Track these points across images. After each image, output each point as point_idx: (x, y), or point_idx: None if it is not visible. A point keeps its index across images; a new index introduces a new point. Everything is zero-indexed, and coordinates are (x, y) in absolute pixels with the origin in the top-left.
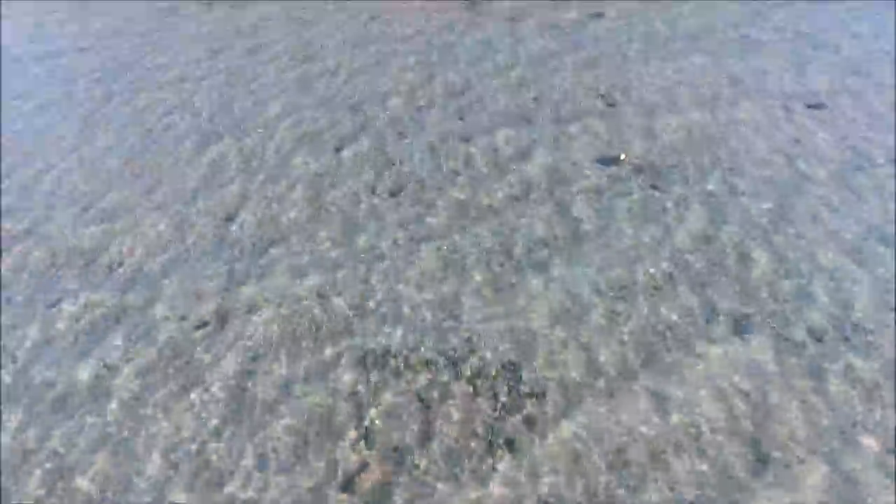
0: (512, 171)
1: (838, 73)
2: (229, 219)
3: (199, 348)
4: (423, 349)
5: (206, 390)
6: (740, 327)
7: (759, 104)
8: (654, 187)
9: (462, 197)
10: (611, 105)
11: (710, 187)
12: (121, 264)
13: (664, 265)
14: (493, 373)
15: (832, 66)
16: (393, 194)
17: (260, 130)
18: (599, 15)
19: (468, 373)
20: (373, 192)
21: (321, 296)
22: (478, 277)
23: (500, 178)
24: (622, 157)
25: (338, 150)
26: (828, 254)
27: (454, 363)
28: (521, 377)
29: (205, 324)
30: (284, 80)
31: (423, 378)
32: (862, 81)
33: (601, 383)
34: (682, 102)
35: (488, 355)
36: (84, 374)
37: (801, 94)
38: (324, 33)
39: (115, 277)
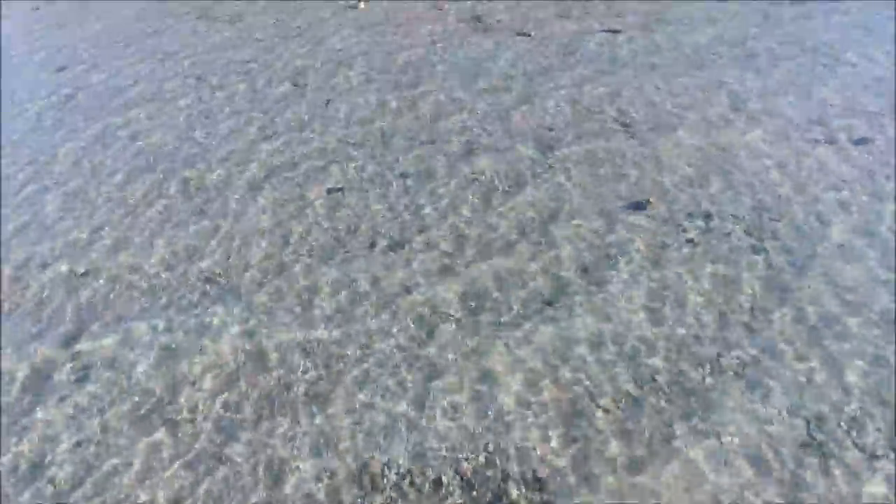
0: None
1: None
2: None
3: None
4: None
5: None
6: None
7: (775, 132)
8: (691, 242)
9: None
10: (626, 126)
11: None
12: None
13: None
14: None
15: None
16: (394, 248)
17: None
18: (615, 32)
19: None
20: (372, 246)
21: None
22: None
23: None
24: (650, 201)
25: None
26: None
27: None
28: None
29: None
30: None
31: None
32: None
33: None
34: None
35: None
36: None
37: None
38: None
39: None
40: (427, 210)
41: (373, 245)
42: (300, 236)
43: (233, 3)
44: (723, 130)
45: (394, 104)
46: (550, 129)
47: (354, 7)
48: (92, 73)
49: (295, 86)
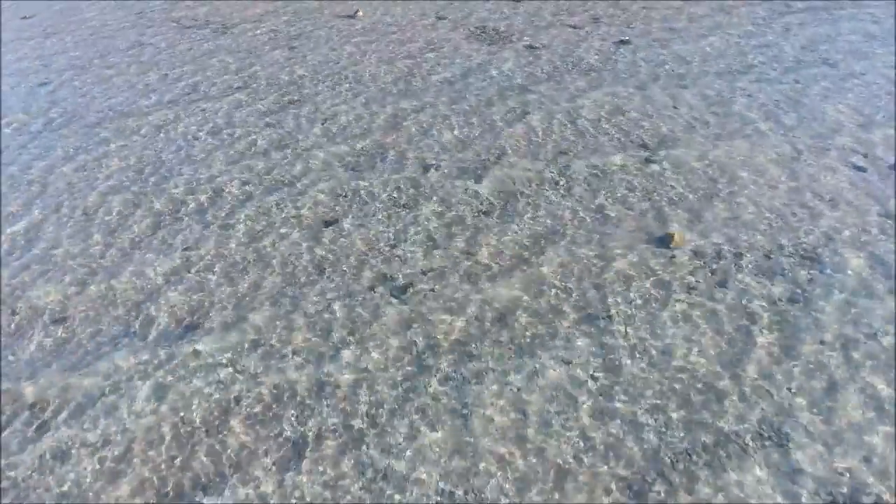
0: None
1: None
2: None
3: None
4: None
5: None
6: None
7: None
8: (721, 284)
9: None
10: (646, 149)
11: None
12: None
13: None
14: None
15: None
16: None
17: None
18: (625, 42)
19: None
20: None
21: None
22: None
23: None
24: (673, 237)
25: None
26: None
27: None
28: None
29: None
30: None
31: None
32: None
33: None
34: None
35: None
36: None
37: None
38: (308, 52)
39: None
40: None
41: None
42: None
43: (229, 13)
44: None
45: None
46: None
47: (352, 16)
48: (76, 87)
49: (289, 101)
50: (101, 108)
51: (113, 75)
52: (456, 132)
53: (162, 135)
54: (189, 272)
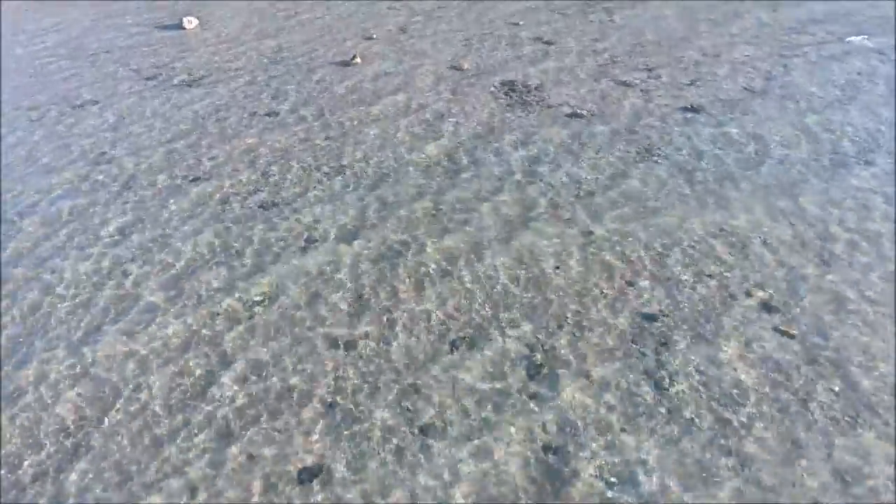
0: None
1: None
2: None
3: None
4: None
5: None
6: None
7: None
8: None
9: None
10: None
11: None
12: None
13: None
14: None
15: None
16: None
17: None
18: (696, 109)
19: None
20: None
21: None
22: None
23: None
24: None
25: None
26: None
27: None
28: None
29: None
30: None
31: None
32: None
33: None
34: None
35: None
36: None
37: None
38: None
39: None
40: None
41: None
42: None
43: (212, 63)
44: None
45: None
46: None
47: (349, 64)
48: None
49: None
50: None
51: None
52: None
53: None
54: None
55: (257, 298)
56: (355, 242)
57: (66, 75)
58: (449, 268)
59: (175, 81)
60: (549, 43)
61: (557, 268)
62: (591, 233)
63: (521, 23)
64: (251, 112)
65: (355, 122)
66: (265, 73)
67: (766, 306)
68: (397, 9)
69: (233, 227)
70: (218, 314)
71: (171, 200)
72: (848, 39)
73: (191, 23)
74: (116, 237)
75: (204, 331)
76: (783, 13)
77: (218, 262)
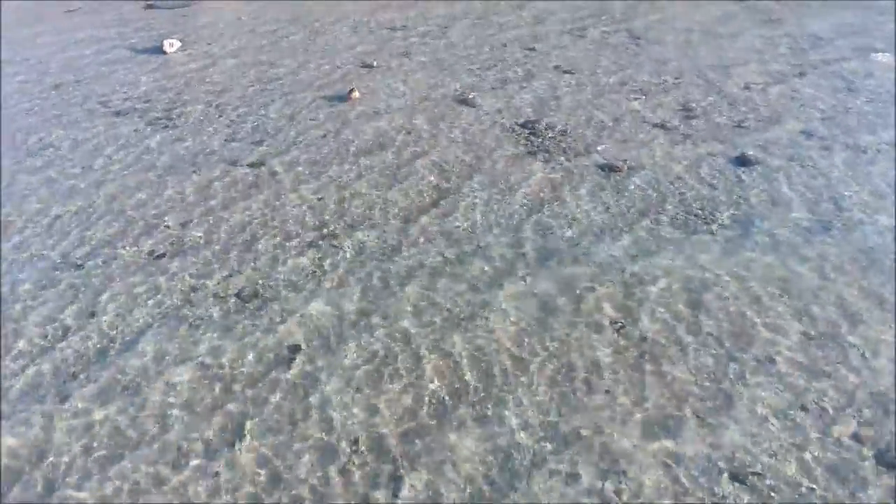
0: None
1: None
2: None
3: None
4: None
5: None
6: None
7: None
8: None
9: None
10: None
11: None
12: None
13: None
14: None
15: None
16: None
17: None
18: (750, 162)
19: None
20: None
21: None
22: None
23: None
24: None
25: None
26: None
27: None
28: None
29: None
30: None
31: None
32: None
33: None
34: None
35: None
36: None
37: None
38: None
39: None
40: None
41: None
42: None
43: (191, 95)
44: None
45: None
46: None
47: (345, 100)
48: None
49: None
50: None
51: None
52: None
53: None
54: None
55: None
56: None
57: (25, 107)
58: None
59: (148, 118)
60: (568, 72)
61: None
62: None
63: (535, 47)
64: (227, 164)
65: (351, 197)
66: (248, 109)
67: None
68: (399, 28)
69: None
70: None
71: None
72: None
73: (172, 46)
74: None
75: None
76: (812, 25)
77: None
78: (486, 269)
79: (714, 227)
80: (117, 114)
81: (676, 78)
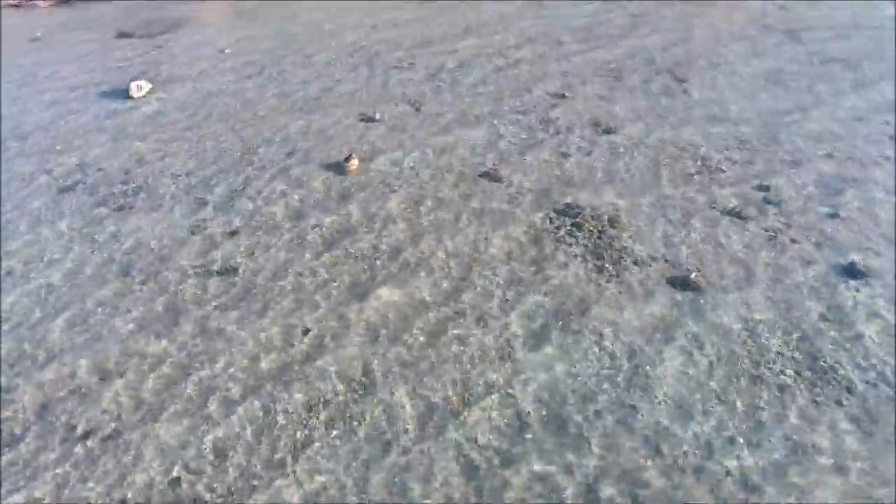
0: None
1: None
2: None
3: None
4: None
5: None
6: None
7: None
8: None
9: None
10: None
11: None
12: None
13: None
14: None
15: None
16: None
17: None
18: (858, 273)
19: None
20: None
21: None
22: None
23: None
24: None
25: None
26: None
27: None
28: None
29: None
30: None
31: None
32: None
33: None
34: None
35: None
36: None
37: None
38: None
39: None
40: None
41: None
42: None
43: (153, 163)
44: None
45: None
46: None
47: (342, 170)
48: None
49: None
50: None
51: None
52: None
53: None
54: None
55: None
56: None
57: None
58: None
59: (97, 197)
60: (608, 132)
61: None
62: None
63: (566, 94)
64: (180, 275)
65: (342, 322)
66: (223, 186)
67: None
68: (404, 67)
69: None
70: None
71: None
72: None
73: (140, 89)
74: None
75: None
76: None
77: None
78: None
79: (842, 397)
80: (61, 190)
81: (743, 141)
